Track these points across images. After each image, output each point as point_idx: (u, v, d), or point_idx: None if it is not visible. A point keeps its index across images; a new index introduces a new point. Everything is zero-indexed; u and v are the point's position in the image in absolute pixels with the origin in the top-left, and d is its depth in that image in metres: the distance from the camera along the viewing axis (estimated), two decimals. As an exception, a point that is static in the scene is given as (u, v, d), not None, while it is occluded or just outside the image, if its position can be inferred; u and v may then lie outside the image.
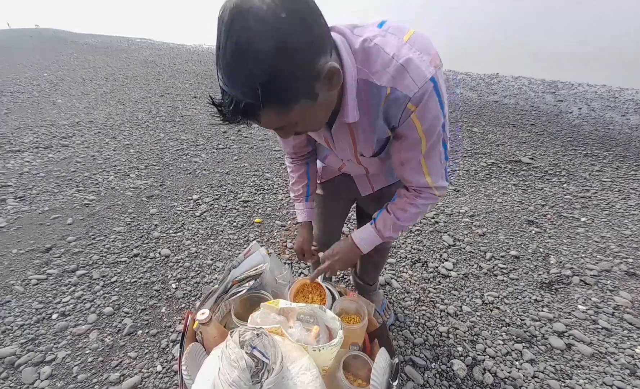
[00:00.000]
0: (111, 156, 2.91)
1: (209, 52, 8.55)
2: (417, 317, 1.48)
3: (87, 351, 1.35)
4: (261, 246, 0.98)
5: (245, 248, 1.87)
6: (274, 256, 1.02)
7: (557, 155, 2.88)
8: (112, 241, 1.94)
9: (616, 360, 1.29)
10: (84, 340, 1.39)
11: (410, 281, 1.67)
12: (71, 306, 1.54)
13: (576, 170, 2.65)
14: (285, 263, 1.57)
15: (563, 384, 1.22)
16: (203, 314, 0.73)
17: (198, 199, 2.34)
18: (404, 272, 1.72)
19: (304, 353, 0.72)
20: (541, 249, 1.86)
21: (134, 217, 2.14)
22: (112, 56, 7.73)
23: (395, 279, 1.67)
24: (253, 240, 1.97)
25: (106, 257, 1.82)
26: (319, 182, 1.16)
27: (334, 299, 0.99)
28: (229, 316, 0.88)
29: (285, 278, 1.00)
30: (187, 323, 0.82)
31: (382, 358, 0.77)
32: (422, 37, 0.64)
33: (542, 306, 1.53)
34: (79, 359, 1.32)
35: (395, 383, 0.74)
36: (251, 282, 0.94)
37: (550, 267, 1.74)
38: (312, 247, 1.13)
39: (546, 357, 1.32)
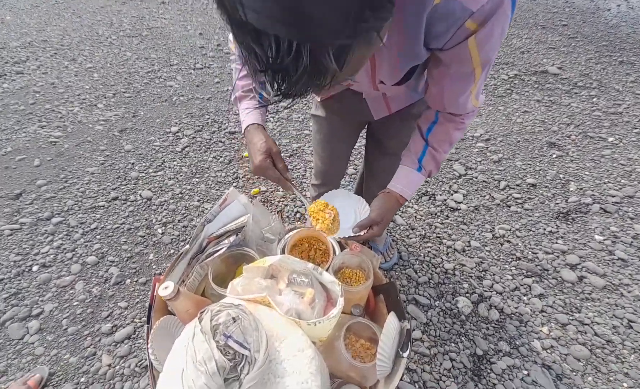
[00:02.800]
0: (73, 83, 2.53)
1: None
2: (422, 255, 1.39)
3: (75, 303, 1.28)
4: (251, 183, 0.78)
5: (233, 188, 1.71)
6: (258, 204, 0.84)
7: (589, 63, 2.50)
8: (87, 184, 1.75)
9: (629, 292, 1.23)
10: (70, 292, 1.32)
11: (415, 217, 1.54)
12: (51, 256, 1.43)
13: (609, 81, 2.31)
14: (274, 211, 1.41)
15: (571, 318, 1.18)
16: (166, 288, 0.58)
17: (177, 132, 2.07)
18: (409, 207, 1.58)
19: (297, 329, 0.60)
20: (561, 175, 1.69)
21: (107, 155, 1.92)
22: (61, -44, 6.41)
23: (400, 215, 1.54)
24: (243, 176, 1.79)
25: (82, 202, 1.66)
26: (318, 99, 0.89)
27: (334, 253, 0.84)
28: (207, 279, 0.74)
29: (273, 231, 0.84)
30: (155, 293, 0.68)
31: (392, 325, 0.65)
32: None
33: (557, 238, 1.42)
34: (68, 312, 1.25)
35: (405, 354, 0.63)
36: (231, 238, 0.78)
37: (569, 195, 1.59)
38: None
39: (556, 291, 1.26)
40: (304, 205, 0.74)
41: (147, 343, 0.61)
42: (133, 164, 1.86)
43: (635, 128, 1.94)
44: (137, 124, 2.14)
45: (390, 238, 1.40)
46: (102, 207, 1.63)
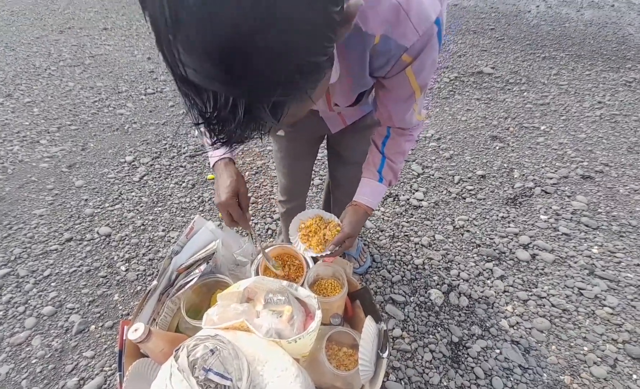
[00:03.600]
0: (10, 120, 2.32)
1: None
2: (393, 254, 1.45)
3: (34, 361, 1.16)
4: (217, 210, 0.77)
5: (200, 213, 1.65)
6: (227, 229, 0.84)
7: (517, 61, 2.79)
8: (35, 228, 1.61)
9: (575, 262, 1.38)
10: (27, 349, 1.20)
11: (383, 219, 1.60)
12: (0, 313, 1.29)
13: (535, 76, 2.60)
14: (243, 233, 1.39)
15: (530, 294, 1.29)
16: (136, 331, 0.56)
17: (133, 161, 1.98)
18: (376, 210, 1.64)
19: (278, 349, 0.60)
20: (505, 165, 1.86)
21: (56, 194, 1.78)
22: (-17, -17, 5.88)
23: (369, 219, 1.59)
24: (209, 199, 1.75)
25: (31, 248, 1.52)
26: None
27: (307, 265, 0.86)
28: (180, 313, 0.72)
29: (245, 253, 0.84)
30: (125, 337, 0.65)
31: (369, 329, 0.68)
32: None
33: (509, 222, 1.56)
34: (26, 372, 1.14)
35: (385, 354, 0.66)
36: (202, 267, 0.76)
37: (514, 181, 1.76)
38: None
39: (514, 271, 1.37)
40: (255, 245, 0.78)
41: (121, 392, 0.58)
42: (86, 200, 1.74)
43: (562, 116, 2.19)
44: (87, 158, 2.01)
45: (362, 243, 1.44)
46: (55, 251, 1.50)
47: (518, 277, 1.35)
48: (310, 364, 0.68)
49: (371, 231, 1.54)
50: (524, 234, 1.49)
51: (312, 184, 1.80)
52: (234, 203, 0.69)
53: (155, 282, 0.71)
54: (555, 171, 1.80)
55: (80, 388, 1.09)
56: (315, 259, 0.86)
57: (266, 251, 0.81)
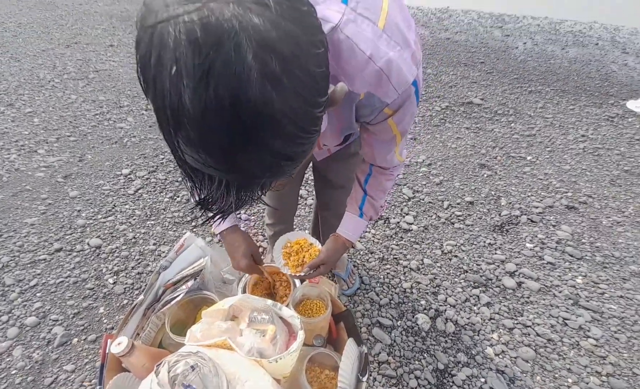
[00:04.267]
0: (10, 129, 2.34)
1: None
2: (382, 276, 1.46)
3: (13, 372, 1.14)
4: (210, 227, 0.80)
5: (192, 228, 1.66)
6: (216, 246, 0.86)
7: (505, 94, 2.92)
8: (25, 237, 1.60)
9: (560, 292, 1.40)
10: (7, 359, 1.18)
11: (373, 241, 1.62)
12: (-19, 322, 1.27)
13: (522, 108, 2.71)
14: None
15: (516, 322, 1.31)
16: (119, 344, 0.57)
17: (129, 174, 2.00)
18: (366, 232, 1.67)
19: (259, 369, 0.61)
20: (493, 192, 1.91)
21: (49, 204, 1.78)
22: (-4, -4, 6.06)
23: (359, 240, 1.62)
24: (201, 215, 1.76)
25: (19, 257, 1.51)
26: None
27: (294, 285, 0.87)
28: (164, 329, 0.73)
29: (232, 272, 0.85)
30: (107, 351, 0.65)
31: (350, 351, 0.69)
32: (400, 14, 0.51)
33: (495, 249, 1.59)
34: (5, 382, 1.11)
35: (364, 378, 0.67)
36: (189, 283, 0.78)
37: (501, 209, 1.81)
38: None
39: (500, 298, 1.39)
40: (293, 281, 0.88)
41: (100, 407, 0.58)
42: (79, 211, 1.74)
43: (547, 147, 2.27)
44: (83, 169, 2.03)
45: (352, 264, 1.46)
46: (43, 261, 1.50)
47: (504, 305, 1.36)
48: (291, 386, 0.69)
49: (361, 253, 1.56)
50: (510, 262, 1.52)
51: (305, 203, 1.83)
52: (252, 265, 0.80)
53: (141, 296, 0.72)
54: (541, 200, 1.85)
55: (57, 404, 1.07)
56: (302, 280, 0.87)
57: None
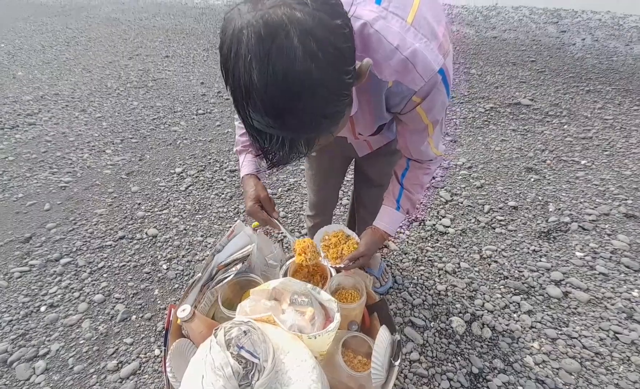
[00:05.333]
0: (83, 132, 2.70)
1: (178, 3, 7.74)
2: (416, 278, 1.46)
3: (82, 342, 1.32)
4: (250, 220, 0.88)
5: (233, 224, 1.80)
6: (262, 235, 0.94)
7: (558, 94, 2.74)
8: (95, 225, 1.84)
9: (613, 305, 1.30)
10: (77, 330, 1.36)
11: (407, 242, 1.63)
12: (59, 296, 1.48)
13: (577, 109, 2.53)
14: (275, 240, 1.50)
15: (560, 332, 1.24)
16: (184, 310, 0.66)
17: (182, 172, 2.21)
18: (401, 232, 1.67)
19: (299, 342, 0.67)
20: (540, 197, 1.82)
21: (115, 197, 2.02)
22: (71, 16, 6.96)
23: (392, 241, 1.63)
24: (244, 211, 1.89)
25: (90, 242, 1.74)
26: None
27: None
28: (217, 304, 0.82)
29: (275, 258, 0.93)
30: (171, 318, 0.75)
31: (383, 337, 0.73)
32: (430, 10, 0.56)
33: (540, 256, 1.51)
34: (74, 351, 1.29)
35: (397, 362, 0.70)
36: (238, 266, 0.86)
37: (549, 215, 1.71)
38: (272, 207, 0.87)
39: (543, 307, 1.32)
40: (290, 240, 0.87)
41: (165, 363, 0.68)
42: (139, 204, 1.96)
43: (605, 151, 2.10)
44: (143, 167, 2.27)
45: (385, 263, 1.48)
46: (109, 247, 1.71)
47: (547, 314, 1.30)
48: (326, 364, 0.74)
49: (395, 253, 1.58)
50: (557, 270, 1.44)
51: (340, 203, 1.88)
52: (257, 209, 0.82)
53: (199, 274, 0.82)
54: (595, 207, 1.72)
55: (118, 370, 1.22)
56: (337, 270, 0.93)
57: (290, 261, 0.90)
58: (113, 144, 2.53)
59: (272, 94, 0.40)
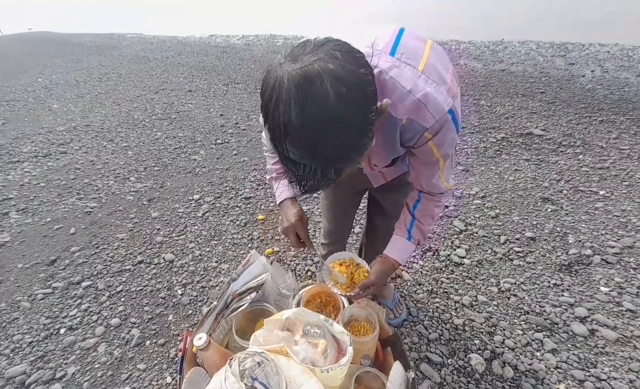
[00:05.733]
0: (110, 160, 2.86)
1: (201, 42, 8.33)
2: (431, 310, 1.43)
3: (97, 366, 1.34)
4: (265, 244, 0.91)
5: (248, 249, 1.82)
6: (276, 264, 0.96)
7: (570, 124, 2.73)
8: (116, 249, 1.91)
9: (644, 345, 1.22)
10: (93, 354, 1.38)
11: (421, 272, 1.60)
12: (78, 319, 1.52)
13: (592, 139, 2.50)
14: (289, 269, 1.51)
15: (588, 374, 1.17)
16: (200, 339, 0.68)
17: (199, 199, 2.29)
18: (414, 262, 1.65)
19: (312, 376, 0.67)
20: (558, 228, 1.77)
21: (135, 222, 2.11)
22: (104, 55, 7.58)
23: (406, 271, 1.61)
24: (257, 238, 1.92)
25: (110, 266, 1.80)
26: None
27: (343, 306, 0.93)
28: (231, 333, 0.83)
29: (289, 287, 0.94)
30: (187, 345, 0.77)
31: (396, 374, 0.71)
32: (439, 60, 0.64)
33: (562, 291, 1.45)
34: (89, 375, 1.30)
35: (411, 401, 0.69)
36: (252, 295, 0.88)
37: (569, 247, 1.66)
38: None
39: (569, 345, 1.26)
40: (320, 262, 0.90)
41: (179, 391, 0.69)
42: (158, 229, 2.03)
43: (625, 181, 2.05)
44: (163, 194, 2.37)
45: (398, 294, 1.45)
46: (128, 271, 1.76)
47: (573, 353, 1.23)
48: (339, 400, 0.73)
49: (408, 283, 1.55)
50: (581, 306, 1.38)
51: (353, 232, 1.89)
52: (301, 225, 0.87)
53: (215, 302, 0.84)
54: (618, 239, 1.66)
55: (131, 397, 1.22)
56: (350, 301, 0.92)
57: (303, 290, 0.91)
58: (137, 171, 2.66)
59: (308, 129, 0.47)
